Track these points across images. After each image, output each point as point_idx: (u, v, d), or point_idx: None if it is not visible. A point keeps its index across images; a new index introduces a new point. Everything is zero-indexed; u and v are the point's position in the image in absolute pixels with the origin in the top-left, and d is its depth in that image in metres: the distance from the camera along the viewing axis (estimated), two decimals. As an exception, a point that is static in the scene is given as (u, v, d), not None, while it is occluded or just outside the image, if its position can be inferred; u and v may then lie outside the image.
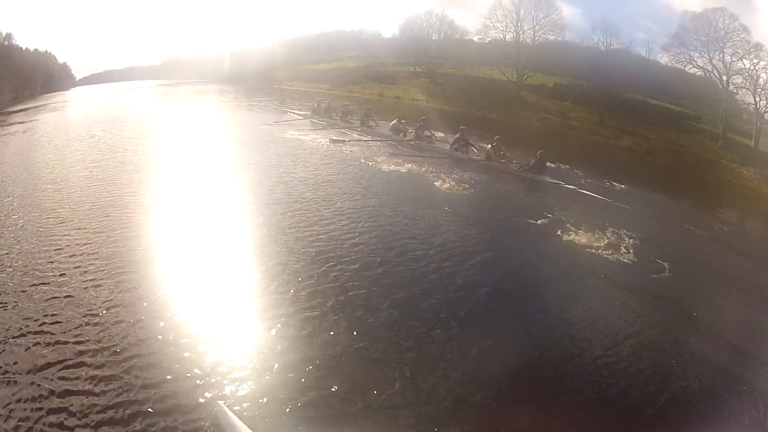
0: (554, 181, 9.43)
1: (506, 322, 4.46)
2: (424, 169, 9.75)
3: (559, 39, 23.49)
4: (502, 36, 24.74)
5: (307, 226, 6.43)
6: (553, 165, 10.52)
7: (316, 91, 28.43)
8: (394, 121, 13.20)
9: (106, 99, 39.78)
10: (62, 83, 48.87)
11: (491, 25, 24.96)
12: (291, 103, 20.23)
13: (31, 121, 22.85)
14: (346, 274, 5.24)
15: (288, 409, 3.37)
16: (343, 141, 11.97)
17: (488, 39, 25.96)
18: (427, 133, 12.17)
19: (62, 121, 22.86)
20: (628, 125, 18.88)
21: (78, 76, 55.77)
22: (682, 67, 20.16)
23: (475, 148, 11.11)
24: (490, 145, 10.63)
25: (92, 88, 54.75)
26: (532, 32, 23.87)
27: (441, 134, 12.82)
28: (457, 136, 11.21)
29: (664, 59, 21.63)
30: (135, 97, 39.70)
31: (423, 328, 4.26)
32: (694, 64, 20.41)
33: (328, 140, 12.00)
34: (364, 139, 12.44)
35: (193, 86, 42.95)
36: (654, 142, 17.47)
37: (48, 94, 41.95)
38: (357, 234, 6.15)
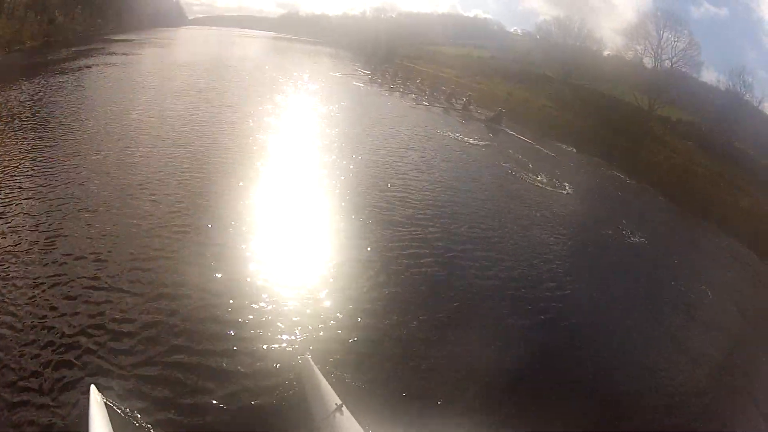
0: (504, 128, 17.38)
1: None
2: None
3: (694, 75, 25.01)
4: (639, 58, 25.94)
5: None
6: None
7: (445, 77, 29.27)
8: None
9: (218, 43, 38.79)
10: (173, 20, 46.08)
11: (629, 45, 25.89)
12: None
13: (133, 54, 22.18)
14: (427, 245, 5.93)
15: (367, 374, 3.58)
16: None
17: (606, 53, 26.95)
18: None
19: (168, 61, 21.81)
20: (742, 181, 22.03)
21: (190, 16, 53.58)
22: (803, 130, 22.64)
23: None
24: (465, 99, 19.70)
25: (203, 29, 50.24)
26: (670, 62, 25.23)
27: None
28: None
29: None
30: (249, 46, 38.44)
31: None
32: (814, 127, 22.88)
33: None
34: None
35: (309, 45, 40.29)
36: None
37: (156, 29, 39.71)
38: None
